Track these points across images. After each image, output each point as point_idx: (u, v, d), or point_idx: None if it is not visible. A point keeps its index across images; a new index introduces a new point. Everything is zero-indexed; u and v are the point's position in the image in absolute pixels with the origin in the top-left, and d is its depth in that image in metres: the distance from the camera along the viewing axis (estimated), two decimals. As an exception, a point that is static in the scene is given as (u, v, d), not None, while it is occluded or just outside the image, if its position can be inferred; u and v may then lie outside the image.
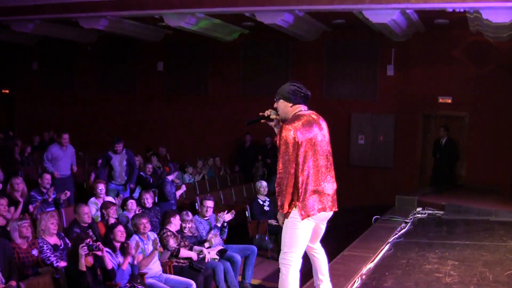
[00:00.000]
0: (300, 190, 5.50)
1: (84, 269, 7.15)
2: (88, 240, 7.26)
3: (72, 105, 21.77)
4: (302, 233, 5.59)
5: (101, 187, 11.12)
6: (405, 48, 17.20)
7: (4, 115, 23.10)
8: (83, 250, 7.16)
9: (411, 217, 11.67)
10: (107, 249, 7.79)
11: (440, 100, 17.08)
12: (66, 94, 21.90)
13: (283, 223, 5.66)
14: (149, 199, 11.04)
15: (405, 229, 10.68)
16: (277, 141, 5.62)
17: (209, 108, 19.71)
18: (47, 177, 11.12)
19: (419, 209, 12.52)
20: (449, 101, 17.00)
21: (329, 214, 5.75)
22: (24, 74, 22.72)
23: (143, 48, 20.51)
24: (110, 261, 7.68)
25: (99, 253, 7.42)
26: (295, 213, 5.54)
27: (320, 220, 5.72)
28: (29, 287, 6.82)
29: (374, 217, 11.45)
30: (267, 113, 5.85)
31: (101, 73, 21.49)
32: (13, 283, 6.99)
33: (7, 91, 23.30)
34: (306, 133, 5.51)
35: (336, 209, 5.81)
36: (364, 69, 17.83)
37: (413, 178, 17.28)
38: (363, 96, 17.94)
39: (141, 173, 14.25)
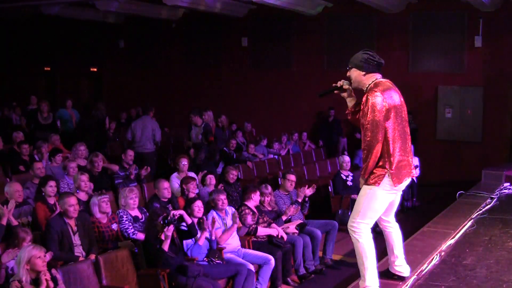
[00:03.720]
0: (392, 158, 5.43)
1: (166, 249, 7.24)
2: (164, 214, 7.34)
3: (157, 81, 22.10)
4: (380, 205, 5.55)
5: (184, 162, 11.12)
6: (493, 18, 16.52)
7: (93, 93, 23.72)
8: (168, 231, 7.24)
9: (498, 192, 11.28)
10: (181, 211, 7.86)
11: (531, 71, 16.43)
12: (152, 71, 22.23)
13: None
14: (234, 175, 11.10)
15: (490, 204, 10.33)
16: (360, 110, 5.55)
17: (293, 82, 19.59)
18: (130, 153, 11.32)
19: (506, 184, 12.10)
20: (541, 72, 16.35)
21: (409, 181, 5.69)
22: (111, 52, 23.18)
23: (227, 24, 20.53)
24: (188, 217, 7.77)
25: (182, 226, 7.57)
26: (379, 182, 5.44)
27: (401, 189, 5.63)
28: (107, 261, 7.01)
29: (459, 192, 11.15)
30: (339, 83, 5.76)
31: (186, 49, 21.66)
32: (93, 256, 7.21)
33: (96, 69, 23.89)
34: (391, 99, 5.45)
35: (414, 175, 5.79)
36: (451, 40, 17.28)
37: (502, 152, 16.67)
38: (450, 69, 17.43)
39: (225, 148, 14.36)
